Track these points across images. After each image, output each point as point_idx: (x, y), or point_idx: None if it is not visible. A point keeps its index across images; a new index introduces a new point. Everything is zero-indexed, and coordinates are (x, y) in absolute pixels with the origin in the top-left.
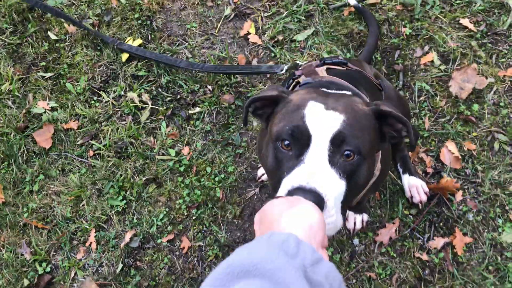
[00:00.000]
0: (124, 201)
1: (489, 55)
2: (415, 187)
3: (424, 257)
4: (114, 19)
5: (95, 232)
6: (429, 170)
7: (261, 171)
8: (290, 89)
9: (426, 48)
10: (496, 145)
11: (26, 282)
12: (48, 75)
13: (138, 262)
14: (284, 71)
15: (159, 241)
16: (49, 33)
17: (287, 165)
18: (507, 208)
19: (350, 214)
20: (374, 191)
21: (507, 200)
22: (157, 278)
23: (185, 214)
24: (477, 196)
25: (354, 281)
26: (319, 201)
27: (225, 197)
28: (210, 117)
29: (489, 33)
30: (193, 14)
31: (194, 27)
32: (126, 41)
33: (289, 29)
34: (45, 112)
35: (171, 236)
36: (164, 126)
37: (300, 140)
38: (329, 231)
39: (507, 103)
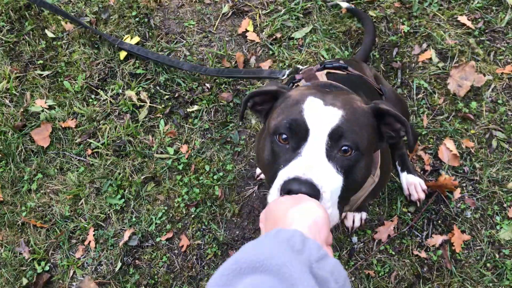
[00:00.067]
0: (123, 200)
1: (487, 53)
2: (414, 185)
3: (423, 254)
4: (111, 17)
5: (93, 231)
6: (428, 168)
7: (259, 169)
8: None
9: (424, 45)
10: (494, 143)
11: (24, 281)
12: (45, 73)
13: (137, 261)
14: (285, 76)
15: (158, 239)
16: (46, 31)
17: (284, 158)
18: (505, 205)
19: (349, 212)
20: (373, 196)
21: (505, 197)
22: (156, 277)
23: (184, 212)
24: (475, 193)
25: (353, 278)
26: (315, 192)
27: (223, 195)
28: (209, 115)
29: (487, 31)
30: (190, 11)
31: (192, 24)
32: (124, 39)
33: (287, 26)
34: (43, 111)
35: (170, 235)
36: (163, 124)
37: (298, 133)
38: None
39: (505, 101)
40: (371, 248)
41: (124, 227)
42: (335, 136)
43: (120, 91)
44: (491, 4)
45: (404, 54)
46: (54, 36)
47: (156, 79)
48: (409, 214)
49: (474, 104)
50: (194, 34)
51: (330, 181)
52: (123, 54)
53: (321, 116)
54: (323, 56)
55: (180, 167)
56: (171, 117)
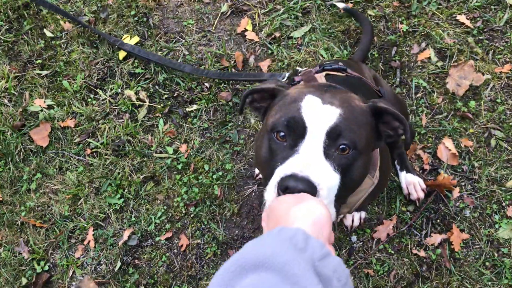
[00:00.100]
0: (122, 199)
1: (486, 52)
2: (413, 184)
3: (422, 253)
4: (110, 16)
5: (93, 231)
6: (426, 167)
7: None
8: None
9: (423, 44)
10: (493, 142)
11: (24, 281)
12: (44, 72)
13: (136, 260)
14: (285, 78)
15: (157, 239)
16: (45, 30)
17: (281, 155)
18: (503, 204)
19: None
20: (372, 199)
21: (504, 196)
22: (155, 276)
23: (183, 212)
24: (474, 192)
25: (352, 277)
26: (312, 190)
27: (223, 194)
28: (208, 115)
29: (485, 30)
30: (189, 11)
31: (190, 24)
32: (123, 38)
33: (286, 25)
34: (41, 110)
35: (169, 234)
36: (162, 124)
37: (296, 131)
38: None
39: (503, 100)
40: (370, 247)
41: (123, 227)
42: (333, 135)
43: (119, 90)
44: (490, 3)
45: (403, 53)
46: (53, 35)
47: (155, 78)
48: (408, 213)
49: (473, 103)
50: (193, 33)
51: (327, 179)
52: (122, 54)
53: (319, 114)
54: (322, 56)
55: (179, 166)
56: (170, 117)
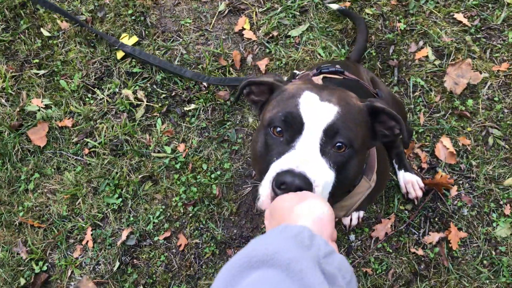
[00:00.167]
0: (120, 199)
1: (483, 50)
2: (411, 183)
3: (420, 252)
4: (107, 15)
5: (91, 230)
6: (424, 166)
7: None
8: None
9: (421, 43)
10: (491, 140)
11: (22, 281)
12: (41, 72)
13: (135, 260)
14: None
15: (155, 238)
16: (41, 29)
17: (277, 151)
18: (501, 202)
19: None
20: (369, 202)
21: (501, 194)
22: (154, 276)
23: (182, 211)
24: (472, 191)
25: None
26: (308, 186)
27: (221, 194)
28: (206, 114)
29: (483, 28)
30: (187, 9)
31: (188, 23)
32: (122, 38)
33: (283, 24)
34: (39, 110)
35: (167, 234)
36: (160, 123)
37: (293, 127)
38: None
39: (501, 98)
40: (368, 246)
41: (121, 227)
42: (330, 132)
43: (117, 90)
44: (487, 2)
45: (401, 52)
46: (50, 34)
47: (153, 77)
48: (406, 212)
49: (470, 102)
50: (191, 33)
51: (323, 176)
52: (120, 53)
53: (317, 111)
54: (319, 54)
55: (178, 166)
56: (168, 116)
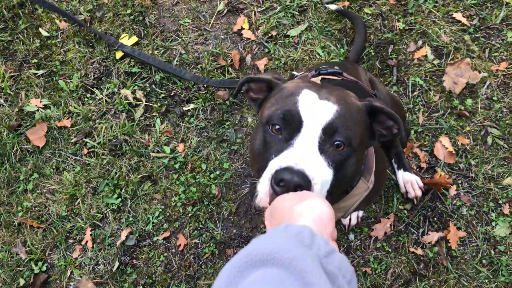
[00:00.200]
0: (120, 199)
1: (482, 49)
2: (410, 182)
3: (419, 251)
4: (106, 15)
5: (90, 231)
6: (423, 165)
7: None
8: None
9: (420, 42)
10: (489, 140)
11: (22, 281)
12: (40, 72)
13: (134, 260)
14: None
15: (155, 238)
16: (40, 29)
17: (276, 148)
18: (500, 202)
19: None
20: (367, 203)
21: (500, 194)
22: (153, 276)
23: (181, 211)
24: (471, 190)
25: None
26: (307, 183)
27: (220, 194)
28: (205, 114)
29: (482, 27)
30: (186, 9)
31: (187, 22)
32: (122, 38)
33: (282, 24)
34: (38, 110)
35: (167, 234)
36: (159, 123)
37: (291, 124)
38: None
39: (500, 98)
40: (367, 245)
41: (121, 227)
42: (328, 131)
43: (116, 90)
44: (486, 1)
45: (400, 51)
46: (48, 34)
47: (152, 77)
48: (405, 211)
49: (469, 101)
50: (190, 32)
51: (321, 174)
52: (119, 53)
53: (316, 110)
54: (318, 54)
55: (177, 166)
56: (167, 116)
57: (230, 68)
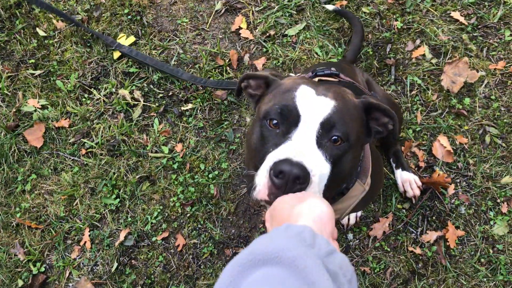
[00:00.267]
0: (118, 200)
1: (480, 48)
2: (408, 181)
3: (418, 250)
4: (103, 15)
5: (89, 231)
6: (422, 164)
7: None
8: None
9: (418, 41)
10: (488, 139)
11: (20, 282)
12: (37, 72)
13: (133, 261)
14: None
15: (153, 239)
16: (37, 29)
17: (273, 142)
18: (498, 201)
19: None
20: (364, 206)
21: (498, 193)
22: (152, 276)
23: (180, 211)
24: (469, 189)
25: None
26: (305, 175)
27: (219, 194)
28: (203, 114)
29: (479, 26)
30: (183, 9)
31: (185, 22)
32: (119, 38)
33: (280, 23)
34: (35, 111)
35: (165, 234)
36: (157, 123)
37: (289, 119)
38: None
39: (498, 97)
40: (366, 245)
41: (119, 227)
42: (326, 126)
43: (114, 90)
44: (484, 0)
45: (398, 50)
46: (45, 34)
47: (150, 77)
48: (404, 210)
49: (467, 100)
50: (187, 32)
51: (320, 167)
52: (117, 53)
53: (313, 105)
54: (316, 54)
55: (175, 166)
56: (165, 116)
57: (228, 68)
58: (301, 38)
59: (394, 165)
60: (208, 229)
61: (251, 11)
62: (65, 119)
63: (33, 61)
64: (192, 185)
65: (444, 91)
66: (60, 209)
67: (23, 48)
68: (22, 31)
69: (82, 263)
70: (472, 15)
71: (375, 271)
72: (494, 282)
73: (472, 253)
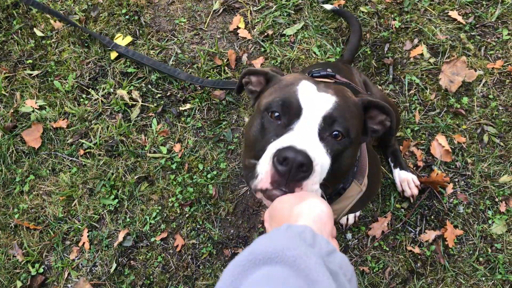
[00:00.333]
0: (116, 200)
1: (478, 48)
2: (406, 181)
3: (416, 250)
4: (101, 15)
5: (87, 232)
6: (420, 164)
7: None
8: None
9: (416, 41)
10: (486, 138)
11: (19, 284)
12: (35, 73)
13: (132, 261)
14: None
15: (152, 239)
16: (35, 29)
17: (275, 132)
18: (496, 200)
19: None
20: (361, 207)
21: (497, 192)
22: (151, 277)
23: (178, 212)
24: (467, 188)
25: None
26: (309, 163)
27: (218, 194)
28: (201, 114)
29: (477, 25)
30: (181, 8)
31: (182, 22)
32: (116, 38)
33: (278, 23)
34: (33, 111)
35: (164, 235)
36: (155, 123)
37: (291, 111)
38: None
39: (496, 96)
40: (365, 244)
41: (118, 228)
42: (328, 120)
43: (112, 90)
44: None
45: (396, 49)
46: (43, 35)
47: (148, 77)
48: (403, 210)
49: (465, 99)
50: (185, 32)
51: (322, 158)
52: (114, 54)
53: (315, 99)
54: (315, 53)
55: (174, 166)
56: (163, 116)
57: (226, 68)
58: (299, 38)
59: (392, 164)
60: (207, 230)
61: (249, 11)
62: (63, 119)
63: (30, 61)
64: (190, 185)
65: (442, 90)
66: (58, 210)
67: (21, 49)
68: (19, 31)
69: (81, 264)
70: (470, 14)
71: (374, 270)
72: (492, 281)
73: (471, 252)
